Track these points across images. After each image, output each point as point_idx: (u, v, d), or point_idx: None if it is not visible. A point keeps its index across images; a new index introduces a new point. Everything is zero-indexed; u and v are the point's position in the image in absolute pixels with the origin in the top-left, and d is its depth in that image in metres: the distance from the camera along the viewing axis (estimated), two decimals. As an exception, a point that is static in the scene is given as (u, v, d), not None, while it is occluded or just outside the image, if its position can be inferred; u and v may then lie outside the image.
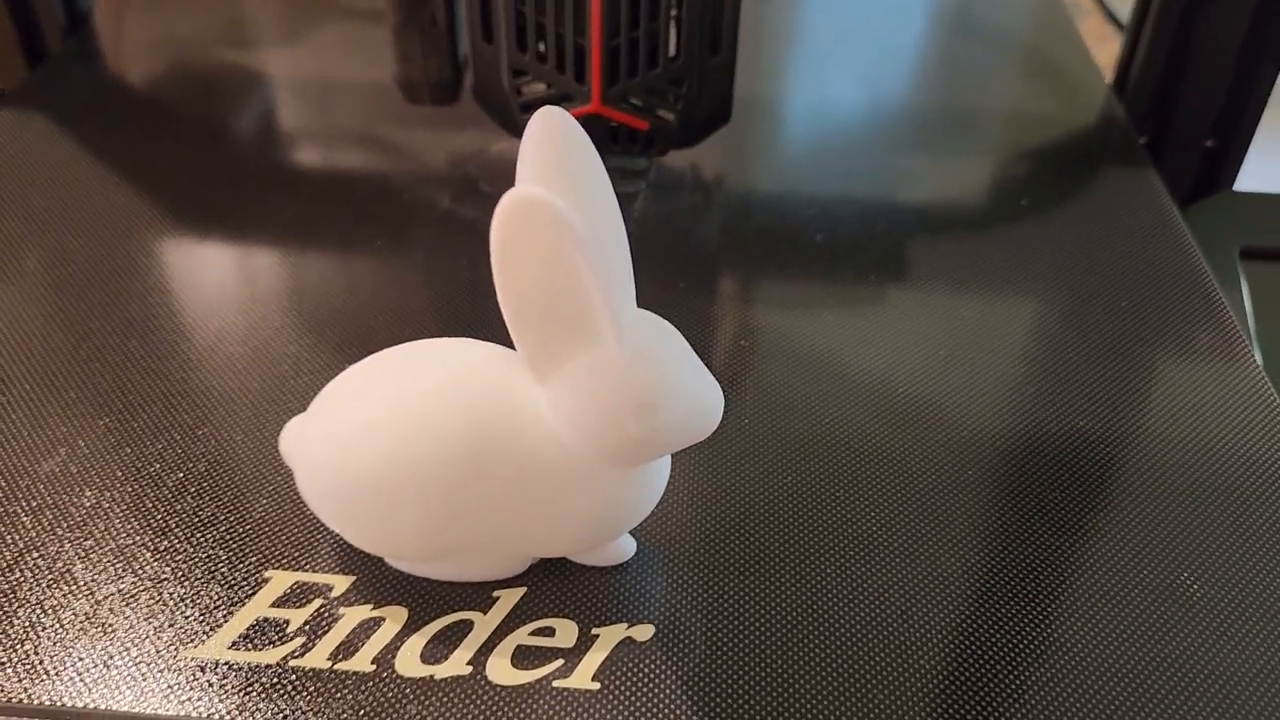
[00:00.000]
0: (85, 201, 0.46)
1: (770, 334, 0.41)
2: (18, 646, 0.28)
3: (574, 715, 0.27)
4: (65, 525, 0.32)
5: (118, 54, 0.60)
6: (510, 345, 0.27)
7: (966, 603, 0.30)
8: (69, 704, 0.27)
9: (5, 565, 0.30)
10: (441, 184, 0.48)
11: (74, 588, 0.30)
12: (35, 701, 0.27)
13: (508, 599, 0.30)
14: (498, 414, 0.27)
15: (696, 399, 0.27)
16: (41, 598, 0.30)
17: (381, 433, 0.27)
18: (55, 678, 0.28)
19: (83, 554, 0.31)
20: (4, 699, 0.27)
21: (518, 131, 0.46)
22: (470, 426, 0.27)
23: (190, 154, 0.51)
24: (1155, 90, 0.57)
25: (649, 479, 0.29)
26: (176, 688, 0.27)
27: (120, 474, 0.33)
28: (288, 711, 0.27)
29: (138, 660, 0.28)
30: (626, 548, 0.31)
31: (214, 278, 0.42)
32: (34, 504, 0.32)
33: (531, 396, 0.27)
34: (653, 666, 0.28)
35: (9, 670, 0.28)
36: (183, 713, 0.27)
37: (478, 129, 0.51)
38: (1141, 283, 0.43)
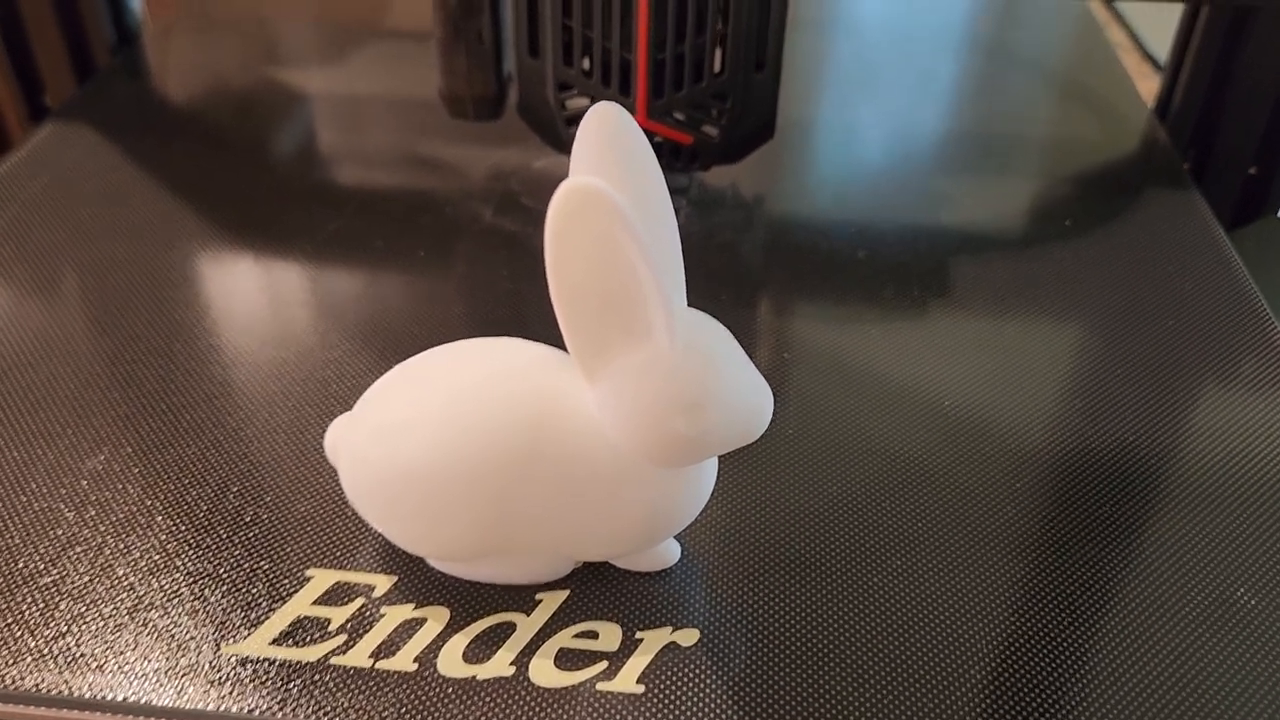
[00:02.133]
0: (131, 214, 0.47)
1: (813, 347, 0.40)
2: (59, 639, 0.28)
3: (618, 718, 0.27)
4: (108, 522, 0.32)
5: (165, 71, 0.61)
6: (557, 348, 0.27)
7: (1014, 614, 0.30)
8: (109, 697, 0.27)
9: (48, 559, 0.30)
10: (484, 198, 0.49)
11: (115, 583, 0.30)
12: (75, 693, 0.27)
13: (550, 601, 0.29)
14: (546, 413, 0.27)
15: (746, 399, 0.27)
16: (83, 592, 0.29)
17: (427, 430, 0.27)
18: (96, 671, 0.27)
19: (124, 549, 0.31)
20: (45, 690, 0.27)
21: (562, 146, 0.46)
22: (517, 425, 0.27)
23: (236, 169, 0.51)
24: (1197, 120, 0.57)
25: (696, 482, 0.28)
26: (217, 683, 0.27)
27: (164, 472, 0.33)
28: (329, 708, 0.27)
29: (179, 655, 0.28)
30: (671, 553, 0.31)
31: (257, 286, 0.43)
32: (77, 500, 0.32)
33: (580, 396, 0.27)
34: (698, 671, 0.28)
35: (50, 662, 0.28)
36: (223, 708, 0.27)
37: (521, 146, 0.51)
38: (1188, 302, 0.43)
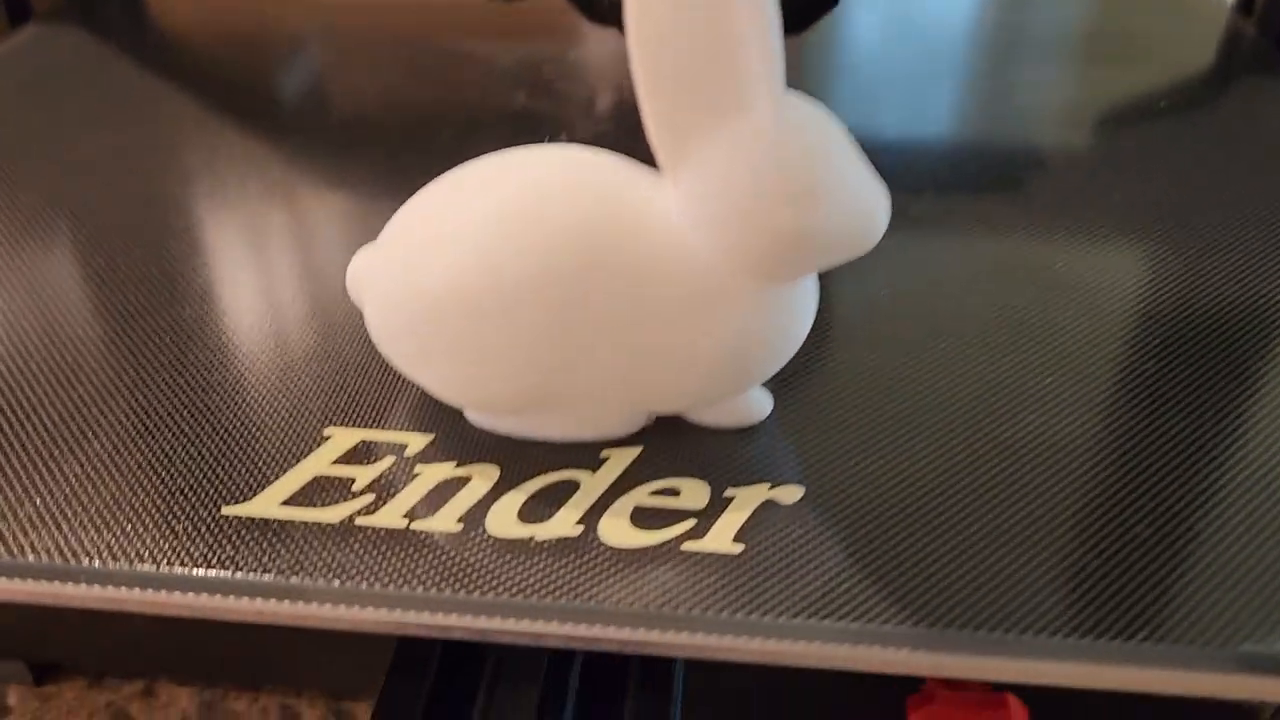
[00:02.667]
0: (121, 117, 0.42)
1: (903, 223, 0.35)
2: (27, 500, 0.23)
3: (713, 579, 0.22)
4: (92, 384, 0.27)
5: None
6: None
7: (1130, 467, 0.25)
8: (92, 564, 0.22)
9: (22, 417, 0.25)
10: (514, 84, 0.44)
11: (100, 445, 0.25)
12: (52, 558, 0.22)
13: (619, 459, 0.24)
14: (612, 220, 0.22)
15: (860, 198, 0.22)
16: (62, 454, 0.25)
17: (466, 247, 0.22)
18: (66, 532, 0.22)
19: (112, 410, 0.26)
20: (24, 554, 0.22)
21: (600, 17, 0.42)
22: (578, 236, 0.22)
23: (243, 68, 0.46)
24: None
25: (791, 307, 0.23)
26: (217, 545, 0.22)
27: (160, 335, 0.29)
28: (355, 571, 0.22)
29: (169, 517, 0.23)
30: (760, 406, 0.26)
31: (265, 169, 0.38)
32: (61, 364, 0.27)
33: (655, 200, 0.22)
34: (804, 530, 0.23)
35: (24, 524, 0.23)
36: (224, 574, 0.22)
37: (549, 37, 0.47)
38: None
